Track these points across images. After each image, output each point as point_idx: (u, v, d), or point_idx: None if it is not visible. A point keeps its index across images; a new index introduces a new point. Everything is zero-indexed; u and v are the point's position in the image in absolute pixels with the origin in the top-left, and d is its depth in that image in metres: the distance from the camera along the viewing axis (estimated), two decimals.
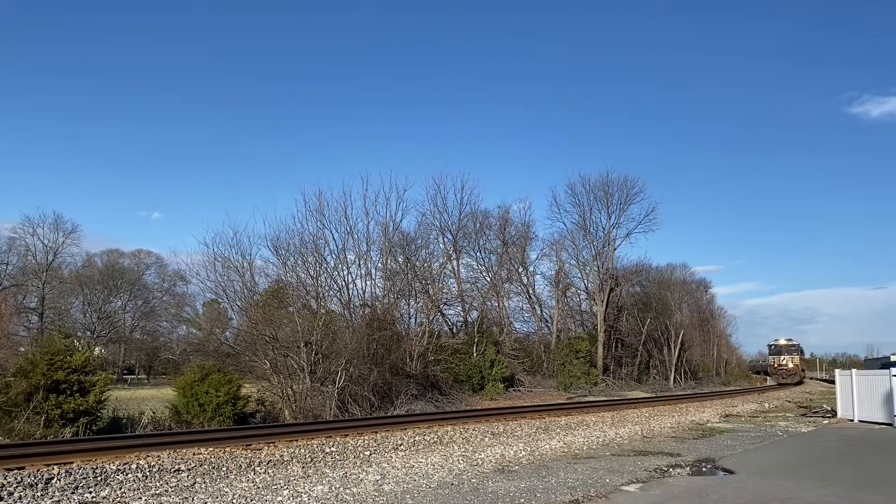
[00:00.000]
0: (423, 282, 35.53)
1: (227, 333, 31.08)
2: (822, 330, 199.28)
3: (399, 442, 14.00)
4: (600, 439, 16.23)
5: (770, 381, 67.24)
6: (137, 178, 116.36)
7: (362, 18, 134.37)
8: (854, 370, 22.89)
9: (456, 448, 13.80)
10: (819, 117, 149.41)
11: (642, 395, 42.11)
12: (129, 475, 9.36)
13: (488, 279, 48.39)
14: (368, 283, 31.56)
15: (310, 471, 10.68)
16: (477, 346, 36.86)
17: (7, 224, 74.95)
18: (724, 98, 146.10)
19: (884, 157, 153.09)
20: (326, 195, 34.95)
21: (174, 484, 9.22)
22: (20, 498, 8.11)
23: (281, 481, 9.77)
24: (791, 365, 65.94)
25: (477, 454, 13.01)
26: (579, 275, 56.02)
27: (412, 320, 34.39)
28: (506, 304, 49.07)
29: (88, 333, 49.56)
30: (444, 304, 39.80)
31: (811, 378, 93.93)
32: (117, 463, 10.01)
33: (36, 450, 10.82)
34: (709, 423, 21.72)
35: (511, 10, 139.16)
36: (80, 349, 18.66)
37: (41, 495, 8.27)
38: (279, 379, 21.45)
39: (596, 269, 53.33)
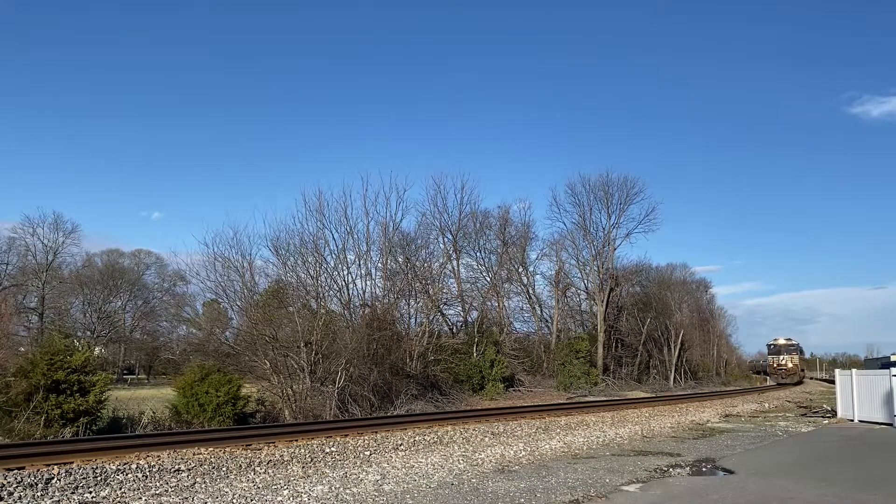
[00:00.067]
0: (423, 282, 35.53)
1: (227, 333, 31.10)
2: (822, 330, 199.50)
3: (399, 442, 14.00)
4: (600, 439, 16.23)
5: (770, 382, 67.15)
6: (137, 178, 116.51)
7: (362, 18, 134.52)
8: (854, 370, 22.89)
9: (456, 448, 13.80)
10: (819, 117, 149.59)
11: (642, 395, 42.11)
12: (129, 475, 9.36)
13: (488, 279, 48.43)
14: (368, 283, 31.61)
15: (310, 471, 10.68)
16: (477, 346, 36.86)
17: (7, 224, 75.07)
18: (724, 98, 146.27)
19: (884, 157, 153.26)
20: (326, 195, 34.98)
21: (174, 484, 9.22)
22: (20, 498, 8.11)
23: (281, 481, 9.77)
24: (790, 365, 65.72)
25: (477, 454, 13.01)
26: (579, 275, 56.13)
27: (412, 320, 34.45)
28: (506, 304, 49.14)
29: (88, 333, 49.55)
30: (444, 304, 39.83)
31: (811, 378, 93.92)
32: (117, 463, 10.01)
33: (36, 450, 10.82)
34: (709, 423, 21.73)
35: (511, 10, 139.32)
36: (80, 349, 18.66)
37: (41, 495, 8.27)
38: (279, 379, 21.45)
39: (596, 269, 53.35)
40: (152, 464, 10.07)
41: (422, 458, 12.33)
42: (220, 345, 28.79)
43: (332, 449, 12.55)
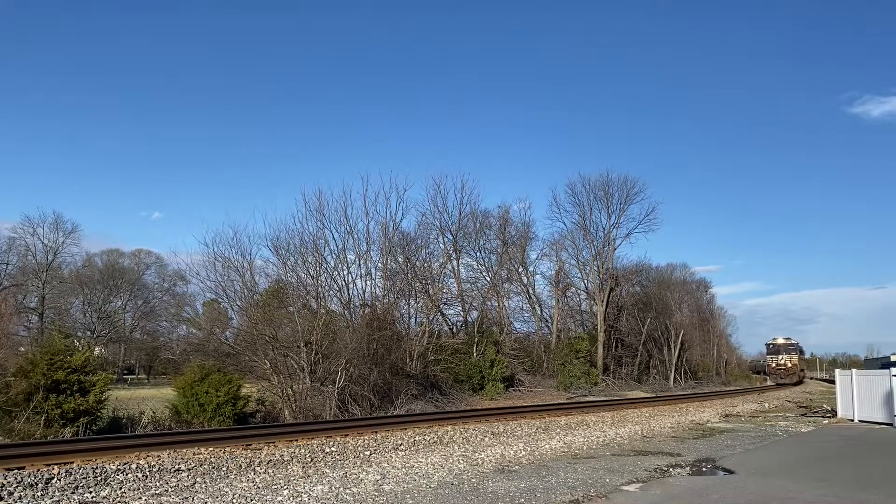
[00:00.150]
0: (423, 282, 35.54)
1: (227, 333, 31.09)
2: (822, 330, 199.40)
3: (399, 442, 14.00)
4: (600, 439, 16.23)
5: (769, 382, 67.04)
6: (137, 178, 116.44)
7: (362, 18, 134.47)
8: (854, 370, 22.89)
9: (456, 448, 13.80)
10: (819, 117, 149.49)
11: (642, 394, 42.11)
12: (129, 475, 9.36)
13: (488, 279, 48.42)
14: (368, 283, 31.61)
15: (310, 471, 10.68)
16: (477, 346, 36.86)
17: (7, 224, 75.06)
18: (724, 98, 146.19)
19: (884, 157, 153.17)
20: (326, 195, 34.95)
21: (174, 484, 9.22)
22: (20, 498, 8.11)
23: (281, 481, 9.77)
24: (790, 364, 65.32)
25: (477, 454, 13.01)
26: (579, 275, 56.13)
27: (412, 320, 34.45)
28: (506, 304, 49.14)
29: (88, 333, 49.54)
30: (444, 304, 39.84)
31: (811, 378, 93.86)
32: (117, 463, 10.01)
33: (36, 450, 10.82)
34: (709, 423, 21.73)
35: (511, 10, 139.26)
36: (80, 349, 18.66)
37: (41, 495, 8.27)
38: (279, 379, 21.45)
39: (596, 269, 53.36)
40: (152, 464, 10.07)
41: (422, 457, 12.33)
42: (220, 345, 28.79)
43: (332, 449, 12.55)
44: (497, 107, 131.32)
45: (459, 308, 43.00)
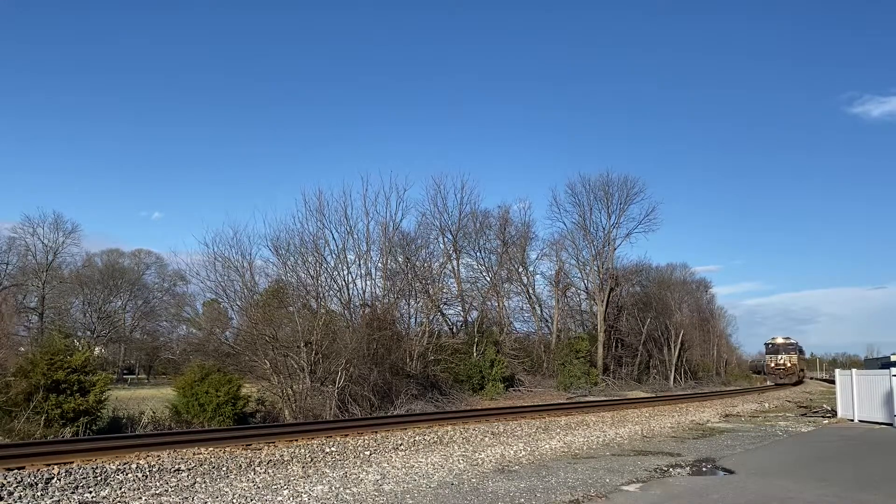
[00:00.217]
0: (423, 282, 35.53)
1: (227, 333, 31.08)
2: (822, 330, 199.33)
3: (399, 442, 14.00)
4: (600, 439, 16.23)
5: (769, 382, 66.96)
6: (137, 178, 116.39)
7: (362, 18, 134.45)
8: (854, 370, 22.89)
9: (456, 448, 13.80)
10: (819, 117, 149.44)
11: (642, 394, 42.11)
12: (129, 475, 9.36)
13: (488, 279, 48.41)
14: (368, 282, 31.60)
15: (310, 471, 10.68)
16: (477, 345, 36.86)
17: (7, 224, 75.04)
18: (724, 98, 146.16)
19: (884, 157, 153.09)
20: (326, 195, 34.92)
21: (174, 484, 9.22)
22: (20, 498, 8.11)
23: (281, 481, 9.77)
24: (789, 364, 65.02)
25: (477, 454, 13.01)
26: (579, 275, 56.12)
27: (412, 320, 34.44)
28: (506, 304, 49.12)
29: (88, 333, 49.54)
30: (444, 303, 39.83)
31: (811, 378, 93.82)
32: (117, 463, 10.01)
33: (36, 450, 10.82)
34: (709, 423, 21.73)
35: (511, 10, 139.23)
36: (80, 349, 18.66)
37: (41, 495, 8.27)
38: (279, 379, 21.45)
39: (596, 268, 53.36)
40: (152, 464, 10.07)
41: (422, 457, 12.33)
42: (220, 345, 28.78)
43: (332, 449, 12.56)
44: (497, 107, 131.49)
45: (459, 308, 43.05)
